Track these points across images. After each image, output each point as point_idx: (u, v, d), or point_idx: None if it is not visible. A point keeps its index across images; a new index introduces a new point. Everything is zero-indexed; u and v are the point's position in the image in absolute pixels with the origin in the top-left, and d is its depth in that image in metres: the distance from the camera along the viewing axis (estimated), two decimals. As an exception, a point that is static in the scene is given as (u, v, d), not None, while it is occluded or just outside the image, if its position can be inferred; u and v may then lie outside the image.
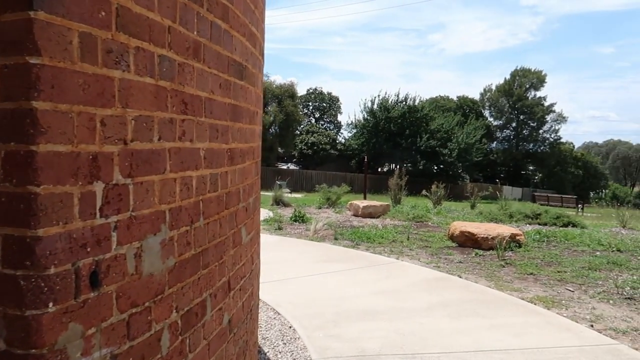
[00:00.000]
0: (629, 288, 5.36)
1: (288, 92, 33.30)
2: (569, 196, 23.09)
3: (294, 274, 5.59)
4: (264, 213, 11.45)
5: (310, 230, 8.78)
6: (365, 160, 23.15)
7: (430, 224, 10.42)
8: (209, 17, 1.60)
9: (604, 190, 55.88)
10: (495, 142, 55.98)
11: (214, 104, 1.67)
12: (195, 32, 1.49)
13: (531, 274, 6.04)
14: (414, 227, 9.86)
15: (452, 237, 8.20)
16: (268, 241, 7.85)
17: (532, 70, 53.50)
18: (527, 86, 53.18)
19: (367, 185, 22.99)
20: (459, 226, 8.17)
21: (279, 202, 14.28)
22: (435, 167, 39.98)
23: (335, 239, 8.31)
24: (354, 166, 41.46)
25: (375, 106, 38.93)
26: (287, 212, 11.75)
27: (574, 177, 54.32)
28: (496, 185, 46.35)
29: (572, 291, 5.29)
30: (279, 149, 36.15)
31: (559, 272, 6.12)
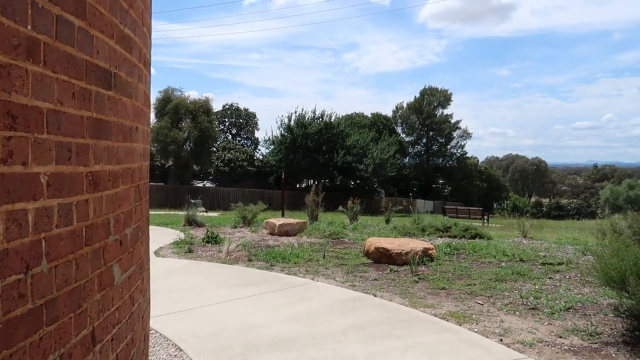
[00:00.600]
0: (532, 298, 5.56)
1: (203, 108, 32.45)
2: (476, 208, 24.46)
3: (200, 302, 5.18)
4: (174, 235, 10.82)
5: (223, 252, 8.35)
6: (283, 176, 22.96)
7: (346, 240, 10.38)
8: (54, 10, 1.28)
9: (505, 201, 60.11)
10: (407, 158, 58.41)
11: (63, 117, 1.35)
12: (29, 27, 1.18)
13: (443, 288, 6.10)
14: (330, 244, 9.75)
15: (367, 254, 8.17)
16: (175, 266, 7.34)
17: (439, 90, 56.71)
18: (435, 104, 56.22)
19: (285, 202, 22.80)
20: (374, 242, 8.16)
21: (191, 222, 13.63)
22: (352, 182, 40.79)
23: (249, 260, 7.97)
24: (272, 183, 41.19)
25: (292, 122, 39.07)
26: (200, 233, 11.20)
27: (479, 190, 57.97)
28: (409, 199, 48.34)
29: (482, 304, 5.38)
30: (195, 166, 34.99)
31: (468, 285, 6.24)
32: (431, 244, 8.74)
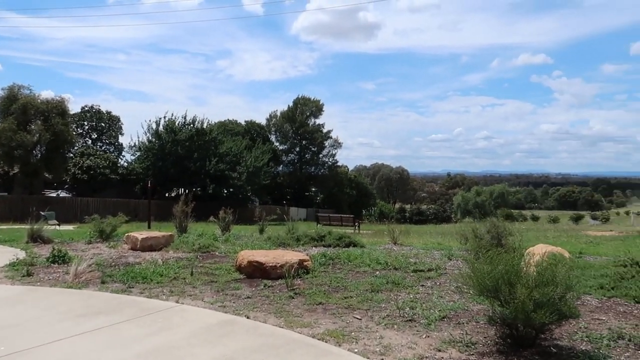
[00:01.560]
0: (408, 309, 5.47)
1: (57, 109, 28.98)
2: (347, 215, 25.12)
3: (31, 342, 4.19)
4: (11, 254, 9.16)
5: (70, 273, 7.15)
6: (150, 185, 21.27)
7: (217, 253, 9.67)
8: None
9: (373, 208, 63.21)
10: (281, 166, 58.71)
11: None
12: None
13: (320, 303, 5.77)
14: (199, 258, 8.98)
15: (240, 268, 7.60)
16: (3, 295, 6.05)
17: (312, 100, 58.02)
18: (308, 114, 57.38)
19: (152, 213, 21.15)
20: (247, 256, 7.62)
21: (36, 238, 11.77)
22: (225, 191, 39.66)
23: (103, 282, 6.90)
24: (139, 192, 38.32)
25: (161, 128, 36.85)
26: (46, 251, 9.63)
27: (349, 197, 60.33)
28: (284, 207, 48.46)
29: (360, 319, 5.14)
30: (46, 174, 31.09)
31: (345, 298, 6.00)
32: (306, 254, 8.46)
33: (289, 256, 7.67)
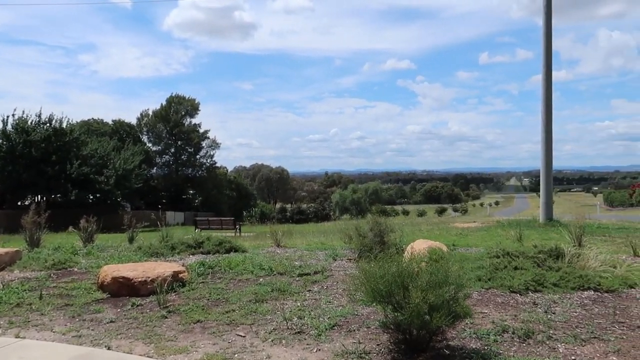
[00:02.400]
0: (296, 319, 5.06)
1: None
2: (227, 218, 24.22)
3: None
4: None
5: None
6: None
7: (76, 270, 8.39)
8: None
9: (254, 209, 62.56)
10: (155, 168, 55.41)
11: None
12: None
13: (198, 321, 5.11)
14: (53, 277, 7.68)
15: (103, 286, 6.58)
16: None
17: (187, 98, 55.57)
18: (183, 113, 54.86)
19: (1, 225, 18.29)
20: (111, 271, 6.63)
21: None
22: (92, 197, 36.18)
23: None
24: (-16, 201, 33.34)
25: (9, 127, 32.38)
26: None
27: (229, 199, 58.91)
28: (158, 212, 45.62)
29: (244, 336, 4.60)
30: None
31: (227, 312, 5.41)
32: (182, 265, 7.67)
33: (162, 268, 6.83)
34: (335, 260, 8.65)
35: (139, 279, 6.45)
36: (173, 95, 55.35)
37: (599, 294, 5.78)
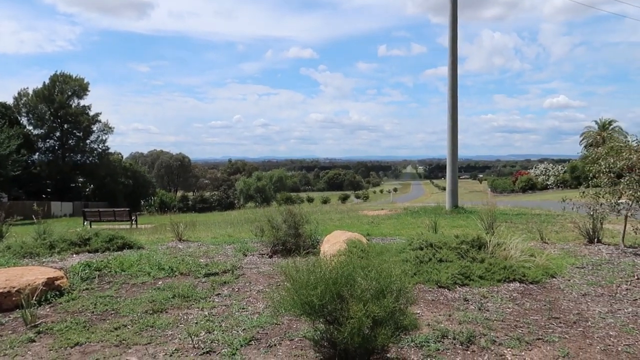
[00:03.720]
0: (204, 333, 4.20)
1: None
2: (121, 209, 22.10)
3: None
4: None
5: None
6: None
7: None
8: None
9: (153, 198, 59.02)
10: (37, 154, 50.06)
11: None
12: None
13: (77, 344, 4.06)
14: None
15: (-50, 301, 5.18)
16: None
17: (74, 77, 50.63)
18: (70, 93, 49.93)
19: None
20: (-38, 282, 5.24)
21: None
22: (-43, 186, 31.56)
23: None
24: None
25: None
26: None
27: (125, 187, 54.95)
28: (43, 202, 41.17)
29: (138, 362, 3.67)
30: None
31: (116, 328, 4.39)
32: (61, 268, 6.40)
33: (32, 274, 5.56)
34: (246, 255, 7.83)
35: (0, 290, 5.15)
36: (58, 73, 50.06)
37: (525, 285, 5.60)
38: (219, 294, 5.52)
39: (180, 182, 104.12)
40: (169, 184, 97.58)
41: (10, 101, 48.36)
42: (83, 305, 5.11)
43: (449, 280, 5.54)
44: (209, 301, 5.22)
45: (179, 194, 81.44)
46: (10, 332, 4.44)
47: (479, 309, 4.74)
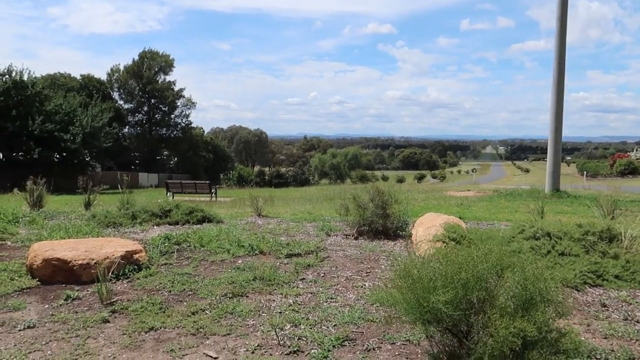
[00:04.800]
0: (289, 327, 3.65)
1: None
2: (202, 182, 22.50)
3: None
4: None
5: None
6: None
7: (9, 244, 6.78)
8: None
9: (231, 172, 60.67)
10: (127, 127, 52.87)
11: None
12: None
13: (152, 329, 3.65)
14: (-24, 254, 6.10)
15: (32, 270, 5.04)
16: None
17: (160, 54, 52.54)
18: (157, 69, 51.93)
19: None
20: (43, 250, 5.07)
21: None
22: (57, 156, 33.83)
23: None
24: (-63, 158, 30.90)
25: (-37, 78, 29.60)
26: None
27: (205, 161, 56.81)
28: (132, 173, 43.49)
29: (215, 358, 3.17)
30: None
31: (194, 313, 3.96)
32: (139, 243, 6.15)
33: (112, 246, 5.30)
34: (329, 236, 7.24)
35: (80, 262, 4.93)
36: (146, 49, 52.16)
37: (672, 290, 4.52)
38: (304, 278, 4.95)
39: (258, 157, 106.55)
40: (246, 159, 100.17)
41: (104, 77, 51.27)
42: (160, 283, 4.76)
43: (577, 278, 4.59)
44: (293, 287, 4.67)
45: (256, 168, 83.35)
46: (85, 308, 4.14)
47: (625, 319, 3.79)
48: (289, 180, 56.17)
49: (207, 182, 21.95)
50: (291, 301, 4.24)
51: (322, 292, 4.47)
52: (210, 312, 3.99)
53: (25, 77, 32.03)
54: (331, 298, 4.32)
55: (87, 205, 10.27)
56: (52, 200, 15.34)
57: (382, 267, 5.42)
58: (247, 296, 4.40)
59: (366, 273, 5.16)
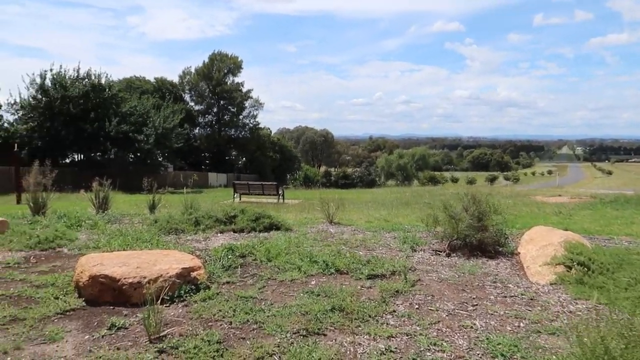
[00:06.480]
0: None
1: None
2: (270, 183, 22.03)
3: None
4: None
5: None
6: (16, 147, 16.88)
7: (66, 251, 6.32)
8: None
9: (298, 172, 60.61)
10: (198, 128, 54.09)
11: None
12: None
13: (206, 381, 2.82)
14: (29, 263, 5.63)
15: (79, 288, 4.41)
16: None
17: (229, 56, 53.31)
18: (225, 71, 52.74)
19: (22, 185, 16.83)
20: (90, 265, 4.43)
21: None
22: (132, 156, 34.92)
23: None
24: (26, 157, 32.71)
25: (47, 82, 31.11)
26: None
27: (272, 161, 57.09)
28: (201, 173, 44.34)
29: None
30: None
31: (259, 347, 3.08)
32: (200, 253, 5.42)
33: (167, 262, 4.57)
34: (415, 251, 6.18)
35: (130, 280, 4.23)
36: (215, 52, 53.15)
37: None
38: (394, 311, 3.95)
39: (324, 157, 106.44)
40: (312, 159, 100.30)
41: (176, 80, 52.78)
42: (220, 310, 3.94)
43: None
44: (382, 322, 3.69)
45: (322, 169, 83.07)
46: (130, 343, 3.39)
47: None
48: (355, 181, 55.18)
49: (275, 183, 21.43)
50: (382, 346, 3.26)
51: (420, 334, 3.46)
52: (279, 357, 3.10)
53: (102, 81, 33.30)
54: (435, 344, 3.29)
55: (152, 207, 9.84)
56: (122, 200, 15.35)
57: (492, 297, 4.31)
58: (324, 334, 3.48)
59: (472, 306, 4.07)
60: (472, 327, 3.59)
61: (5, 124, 33.33)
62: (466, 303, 4.14)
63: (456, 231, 5.98)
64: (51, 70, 31.44)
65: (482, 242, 6.02)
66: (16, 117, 32.43)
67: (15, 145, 17.70)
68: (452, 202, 6.39)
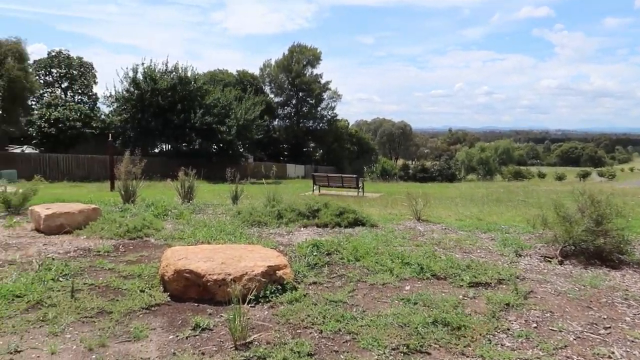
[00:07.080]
0: None
1: (13, 52, 25.03)
2: (349, 175, 21.66)
3: None
4: None
5: None
6: (110, 137, 17.82)
7: (152, 241, 6.33)
8: None
9: (375, 165, 59.87)
10: (277, 120, 54.95)
11: None
12: None
13: (297, 404, 2.47)
14: (118, 252, 5.67)
15: (164, 282, 4.28)
16: None
17: (308, 48, 53.49)
18: (305, 63, 52.98)
19: (115, 173, 17.80)
20: (175, 259, 4.27)
21: None
22: (215, 146, 36.10)
23: None
24: (120, 147, 34.89)
25: (139, 75, 32.85)
26: None
27: (350, 153, 56.82)
28: (280, 164, 45.05)
29: None
30: (5, 127, 27.45)
31: (356, 379, 2.70)
32: (284, 248, 5.14)
33: (251, 258, 4.32)
34: (520, 255, 5.52)
35: (215, 276, 4.01)
36: (295, 44, 53.56)
37: None
38: (508, 329, 3.40)
39: (401, 150, 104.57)
40: (390, 152, 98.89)
41: (257, 72, 53.91)
42: (309, 315, 3.61)
43: None
44: (495, 343, 3.16)
45: (400, 162, 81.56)
46: (214, 348, 3.14)
47: None
48: (434, 175, 53.46)
49: (354, 176, 21.03)
50: (502, 374, 2.75)
51: (544, 358, 2.90)
52: (379, 380, 2.69)
53: (188, 74, 34.60)
54: (567, 376, 2.73)
55: (235, 198, 9.82)
56: (207, 189, 15.69)
57: (627, 319, 3.61)
58: (428, 353, 3.02)
59: (604, 329, 3.42)
60: (610, 358, 2.97)
61: (102, 116, 35.75)
62: (596, 324, 3.49)
63: (570, 235, 5.23)
64: (142, 64, 33.15)
65: (600, 248, 5.23)
66: (111, 109, 34.66)
67: (110, 135, 18.69)
68: (568, 203, 5.63)
